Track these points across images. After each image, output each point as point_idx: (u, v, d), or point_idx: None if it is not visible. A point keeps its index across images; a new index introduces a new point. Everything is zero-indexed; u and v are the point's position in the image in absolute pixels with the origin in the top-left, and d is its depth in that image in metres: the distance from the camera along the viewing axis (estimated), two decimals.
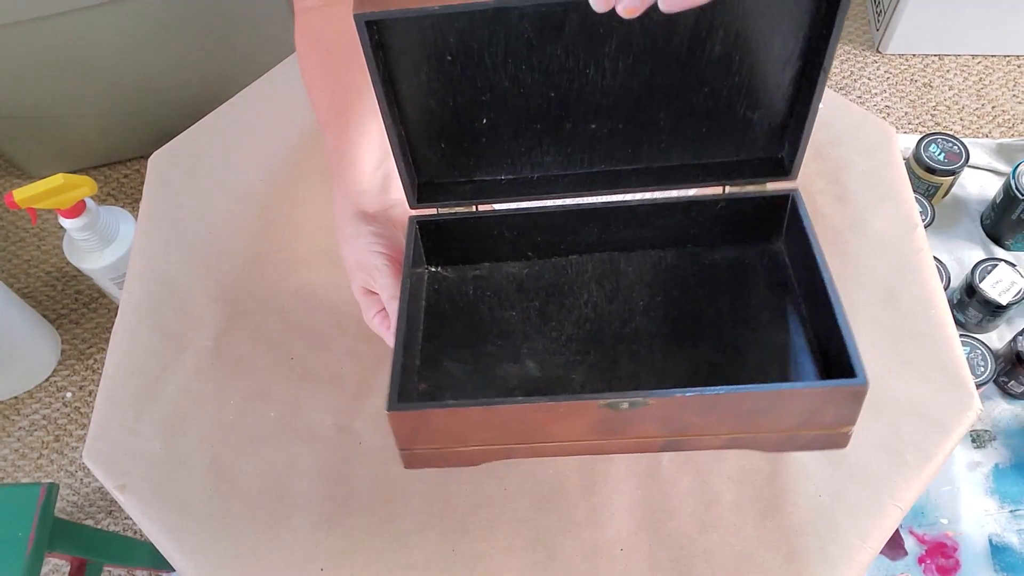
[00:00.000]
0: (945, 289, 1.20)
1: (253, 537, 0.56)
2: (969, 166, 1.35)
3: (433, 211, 0.52)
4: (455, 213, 0.53)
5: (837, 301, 0.44)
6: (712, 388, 0.41)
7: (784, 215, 0.53)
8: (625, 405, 0.41)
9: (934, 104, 1.57)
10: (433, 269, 0.56)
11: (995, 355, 1.16)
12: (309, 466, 0.58)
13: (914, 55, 1.63)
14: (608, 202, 0.53)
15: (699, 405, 0.42)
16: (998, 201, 1.25)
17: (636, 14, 0.34)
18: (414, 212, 0.52)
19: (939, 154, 1.27)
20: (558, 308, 0.53)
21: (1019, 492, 1.10)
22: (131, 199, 1.51)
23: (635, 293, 0.53)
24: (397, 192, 0.56)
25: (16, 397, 1.34)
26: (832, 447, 0.45)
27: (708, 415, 0.43)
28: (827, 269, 0.45)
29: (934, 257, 0.69)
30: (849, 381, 0.41)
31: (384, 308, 0.52)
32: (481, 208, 0.53)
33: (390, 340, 0.50)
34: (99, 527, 1.22)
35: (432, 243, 0.54)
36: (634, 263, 0.55)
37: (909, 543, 1.08)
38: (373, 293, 0.53)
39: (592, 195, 0.52)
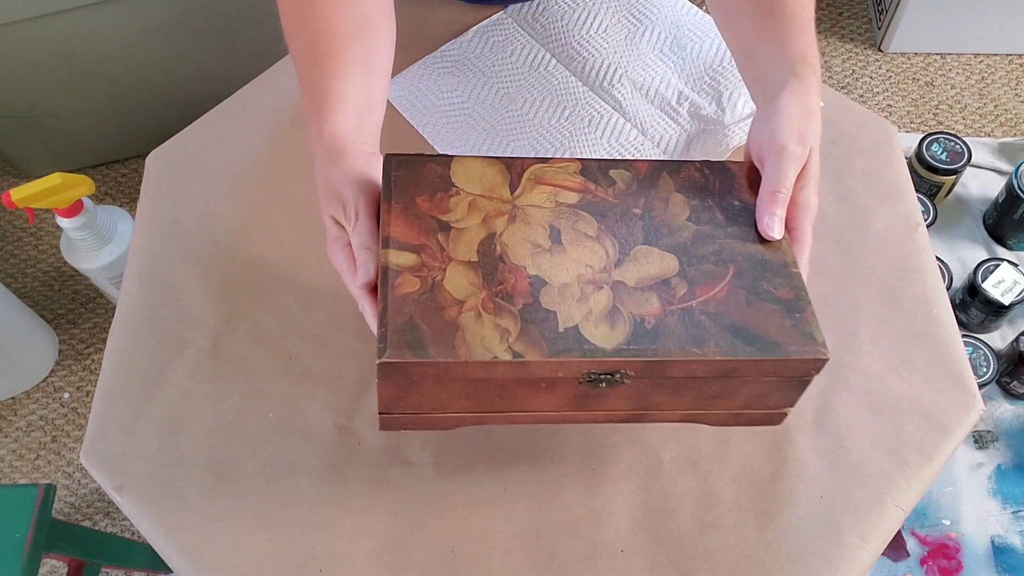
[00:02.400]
0: (947, 289, 1.20)
1: (252, 538, 0.55)
2: (971, 165, 1.35)
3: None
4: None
5: None
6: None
7: None
8: (603, 385, 0.47)
9: (936, 103, 1.57)
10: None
11: (997, 355, 1.15)
12: (308, 466, 0.58)
13: (916, 54, 1.63)
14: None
15: (668, 387, 0.48)
16: (1000, 200, 1.25)
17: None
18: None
19: (941, 153, 1.27)
20: None
21: (1021, 493, 1.10)
22: (129, 198, 1.51)
23: None
24: (374, 140, 0.55)
25: (13, 398, 1.33)
26: (769, 424, 0.53)
27: (674, 396, 0.49)
28: None
29: (936, 257, 0.69)
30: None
31: (350, 245, 0.50)
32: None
33: (351, 284, 0.49)
34: (97, 528, 1.21)
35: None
36: None
37: (911, 544, 1.07)
38: (342, 226, 0.51)
39: None
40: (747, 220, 0.52)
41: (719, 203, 0.52)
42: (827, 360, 0.47)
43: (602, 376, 0.46)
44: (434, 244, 0.49)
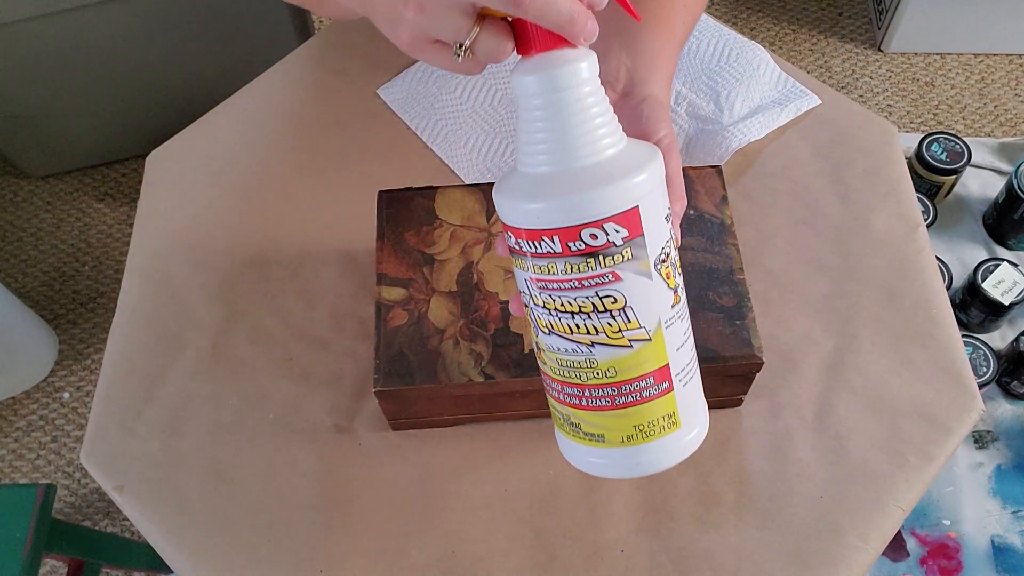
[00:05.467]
0: (947, 289, 1.20)
1: (252, 538, 0.55)
2: (971, 165, 1.35)
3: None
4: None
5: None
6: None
7: None
8: None
9: (936, 103, 1.57)
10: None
11: (997, 355, 1.15)
12: (308, 467, 0.58)
13: (916, 54, 1.63)
14: None
15: None
16: (1000, 200, 1.25)
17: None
18: None
19: (941, 153, 1.27)
20: None
21: (1021, 493, 1.10)
22: (129, 198, 1.51)
23: None
24: None
25: (13, 398, 1.33)
26: (730, 407, 0.59)
27: None
28: None
29: (936, 257, 0.69)
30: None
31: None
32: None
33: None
34: (97, 528, 1.22)
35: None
36: None
37: (911, 544, 1.07)
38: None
39: None
40: (700, 229, 0.56)
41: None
42: (762, 363, 0.52)
43: None
44: (420, 278, 0.55)
